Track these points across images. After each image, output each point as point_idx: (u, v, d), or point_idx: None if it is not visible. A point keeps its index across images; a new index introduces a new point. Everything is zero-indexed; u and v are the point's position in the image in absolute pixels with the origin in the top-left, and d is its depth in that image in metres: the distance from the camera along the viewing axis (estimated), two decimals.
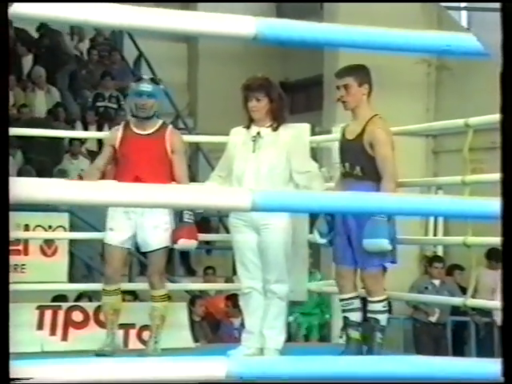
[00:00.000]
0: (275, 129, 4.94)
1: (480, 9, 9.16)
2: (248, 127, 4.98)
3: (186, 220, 4.99)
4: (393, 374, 2.14)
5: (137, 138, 5.06)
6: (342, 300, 5.04)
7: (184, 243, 5.03)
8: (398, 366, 2.15)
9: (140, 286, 6.50)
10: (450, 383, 2.17)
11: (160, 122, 5.19)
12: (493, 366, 1.86)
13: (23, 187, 1.71)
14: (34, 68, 11.92)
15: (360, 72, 4.87)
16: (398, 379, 2.15)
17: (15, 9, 1.66)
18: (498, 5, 1.87)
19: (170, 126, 5.28)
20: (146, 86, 5.07)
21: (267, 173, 4.86)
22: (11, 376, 1.66)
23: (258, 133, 4.94)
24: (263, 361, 2.22)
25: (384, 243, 4.62)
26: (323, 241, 4.95)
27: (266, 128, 4.94)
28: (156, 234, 5.02)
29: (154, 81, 5.24)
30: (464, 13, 10.48)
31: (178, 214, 5.05)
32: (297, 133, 5.06)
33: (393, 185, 4.72)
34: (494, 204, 1.86)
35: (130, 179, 4.88)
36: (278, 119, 4.94)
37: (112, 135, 5.23)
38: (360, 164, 4.79)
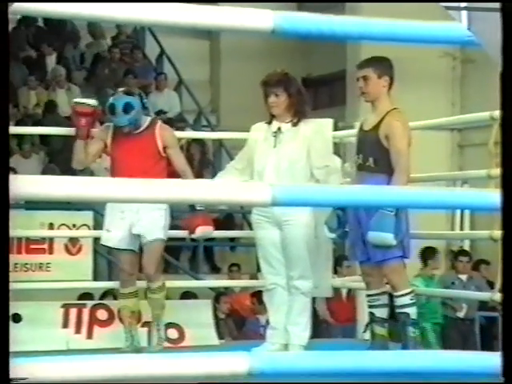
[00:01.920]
0: (295, 124, 4.93)
1: (480, 9, 9.27)
2: (269, 123, 4.99)
3: (199, 208, 5.00)
4: (418, 369, 2.13)
5: (127, 138, 5.07)
6: (368, 296, 5.03)
7: (202, 231, 5.03)
8: (425, 362, 2.14)
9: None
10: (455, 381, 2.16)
11: (149, 118, 5.19)
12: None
13: (22, 184, 1.72)
14: (55, 67, 11.98)
15: (380, 64, 4.85)
16: (424, 374, 2.15)
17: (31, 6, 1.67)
18: (497, 5, 1.88)
19: (160, 122, 5.27)
20: (116, 99, 5.04)
21: (288, 168, 4.86)
22: (13, 375, 1.67)
23: (279, 128, 4.94)
24: (286, 356, 2.22)
25: (388, 237, 4.59)
26: (332, 235, 4.94)
27: (286, 123, 4.94)
28: (150, 226, 5.03)
29: (128, 93, 5.18)
30: (464, 13, 10.46)
31: (188, 205, 5.04)
32: (317, 128, 5.05)
33: (404, 179, 4.70)
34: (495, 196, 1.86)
35: (124, 176, 4.89)
36: (297, 114, 4.93)
37: (103, 131, 5.21)
38: (373, 155, 4.77)
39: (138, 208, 4.98)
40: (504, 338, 1.89)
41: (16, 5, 1.57)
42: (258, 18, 1.63)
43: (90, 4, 1.67)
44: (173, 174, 5.17)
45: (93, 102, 5.17)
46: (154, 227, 5.04)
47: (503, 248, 1.83)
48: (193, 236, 5.11)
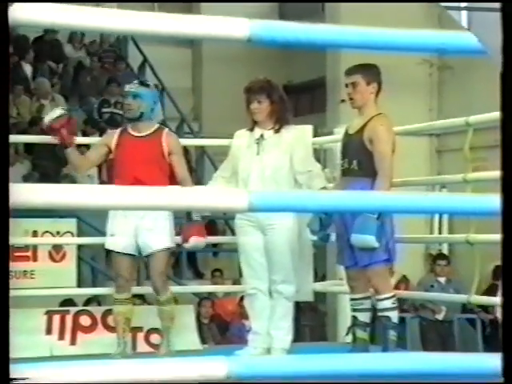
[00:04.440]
0: (278, 131, 4.94)
1: (480, 9, 9.19)
2: (252, 130, 4.99)
3: (195, 218, 4.99)
4: (397, 372, 2.13)
5: (133, 140, 5.07)
6: (352, 299, 5.03)
7: (195, 241, 5.02)
8: (403, 363, 2.14)
9: (148, 289, 6.50)
10: (453, 381, 2.16)
11: (156, 125, 5.20)
12: (493, 361, 1.85)
13: (22, 193, 1.71)
14: (37, 79, 11.91)
15: (369, 70, 4.86)
16: (403, 376, 2.15)
17: (15, 14, 1.66)
18: (497, 5, 1.88)
19: (166, 129, 5.29)
20: (131, 87, 5.09)
21: (271, 175, 4.86)
22: (11, 376, 1.66)
23: (262, 135, 4.95)
24: (265, 360, 2.22)
25: (369, 239, 4.60)
26: (314, 238, 4.94)
27: (268, 130, 4.95)
28: (156, 236, 5.00)
29: (143, 83, 5.24)
30: (464, 13, 10.50)
31: (185, 213, 5.05)
32: (299, 134, 5.07)
33: (387, 183, 4.71)
34: (481, 200, 1.86)
35: (128, 180, 4.90)
36: (280, 121, 4.94)
37: (108, 136, 5.26)
38: (357, 158, 4.78)
39: (143, 213, 4.94)
40: (504, 339, 1.90)
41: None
42: (233, 26, 1.62)
43: (69, 13, 1.66)
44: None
45: (60, 111, 5.15)
46: (160, 236, 5.01)
47: (503, 252, 1.83)
48: (185, 245, 5.10)
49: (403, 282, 9.50)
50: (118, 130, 5.20)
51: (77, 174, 5.35)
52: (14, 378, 1.64)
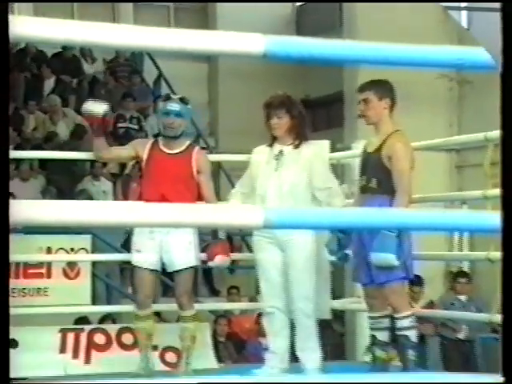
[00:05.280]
0: (297, 146, 4.95)
1: (480, 9, 9.37)
2: (271, 145, 5.00)
3: (220, 237, 5.01)
4: None
5: (164, 157, 5.08)
6: (370, 318, 5.01)
7: (221, 260, 5.03)
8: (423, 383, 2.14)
9: (164, 306, 6.51)
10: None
11: (187, 142, 5.21)
12: None
13: (21, 209, 1.71)
14: (49, 97, 11.98)
15: (380, 86, 4.86)
16: None
17: (28, 30, 1.67)
18: (497, 5, 1.89)
19: (197, 147, 5.31)
20: (174, 106, 5.06)
21: (289, 191, 4.87)
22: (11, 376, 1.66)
23: (281, 151, 4.95)
24: (278, 378, 2.21)
25: (390, 258, 4.60)
26: (333, 258, 4.95)
27: (287, 146, 4.96)
28: (182, 253, 5.01)
29: (183, 100, 5.19)
30: (464, 13, 10.53)
31: (211, 231, 5.07)
32: (318, 150, 5.08)
33: (406, 199, 4.70)
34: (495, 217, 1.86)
35: (155, 197, 4.91)
36: (299, 136, 4.95)
37: (140, 144, 5.24)
38: (376, 177, 4.79)
39: (168, 230, 4.96)
40: (504, 339, 1.89)
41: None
42: (248, 42, 1.63)
43: (84, 29, 1.68)
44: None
45: (99, 109, 5.09)
46: (186, 253, 5.03)
47: (503, 269, 1.83)
48: (210, 264, 5.11)
49: (430, 307, 9.42)
50: (150, 143, 5.19)
51: (99, 158, 5.34)
52: (14, 378, 1.64)
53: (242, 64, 11.91)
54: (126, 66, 13.07)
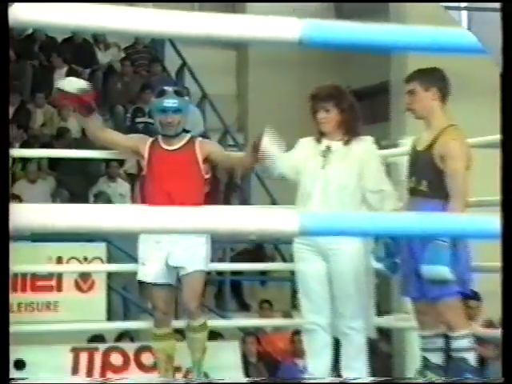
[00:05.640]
0: (347, 142, 4.94)
1: (480, 9, 9.82)
2: (318, 140, 4.99)
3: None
4: None
5: (165, 154, 5.12)
6: (421, 337, 4.98)
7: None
8: None
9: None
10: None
11: (188, 136, 5.23)
12: None
13: (27, 213, 1.73)
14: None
15: (427, 75, 4.83)
16: None
17: (33, 15, 1.68)
18: (497, 5, 1.97)
19: (199, 138, 5.31)
20: (172, 102, 5.08)
21: (336, 192, 4.85)
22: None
23: (328, 147, 4.94)
24: None
25: (443, 271, 4.57)
26: (380, 266, 4.92)
27: (336, 141, 4.95)
28: (190, 256, 5.04)
29: (180, 93, 5.22)
30: (464, 13, 11.01)
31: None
32: (371, 147, 5.04)
33: (461, 204, 4.67)
34: None
35: (162, 197, 4.95)
36: (350, 132, 4.94)
37: (143, 141, 5.22)
38: (427, 178, 4.76)
39: (177, 238, 4.99)
40: (504, 340, 1.89)
41: (13, 14, 1.59)
42: (282, 27, 1.63)
43: (96, 14, 1.68)
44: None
45: (76, 85, 5.01)
46: (194, 257, 5.05)
47: (503, 269, 1.85)
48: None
49: (490, 326, 9.35)
50: (149, 142, 5.20)
51: (95, 140, 5.29)
52: (14, 378, 1.67)
53: (274, 51, 11.90)
54: (145, 53, 13.11)
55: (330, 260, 4.87)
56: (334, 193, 4.86)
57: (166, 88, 5.25)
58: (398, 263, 4.88)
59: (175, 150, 5.14)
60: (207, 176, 5.19)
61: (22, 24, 1.63)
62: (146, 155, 5.14)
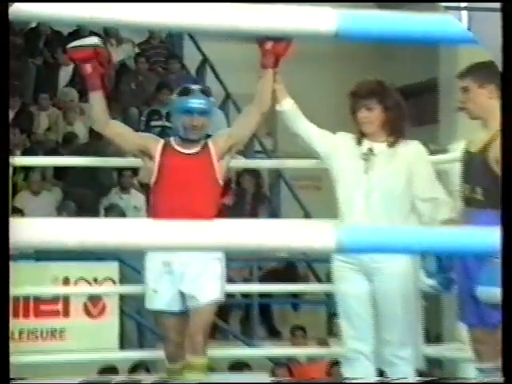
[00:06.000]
0: (392, 144, 4.92)
1: (480, 9, 10.41)
2: (359, 142, 4.97)
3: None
4: None
5: (181, 158, 5.03)
6: (479, 370, 4.95)
7: None
8: None
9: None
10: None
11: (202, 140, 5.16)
12: None
13: (30, 229, 1.74)
14: (64, 89, 12.09)
15: (482, 70, 4.81)
16: None
17: (39, 9, 1.69)
18: (498, 5, 2.07)
19: (211, 138, 5.21)
20: (198, 102, 5.03)
21: (381, 199, 4.83)
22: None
23: (371, 149, 4.92)
24: None
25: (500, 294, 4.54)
26: (431, 282, 4.88)
27: (380, 143, 4.94)
28: (203, 283, 4.99)
29: (206, 92, 5.16)
30: (464, 13, 11.59)
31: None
32: (420, 150, 5.01)
33: None
34: None
35: (179, 204, 4.89)
36: (395, 133, 4.92)
37: (154, 142, 5.14)
38: (482, 185, 4.72)
39: (189, 258, 4.96)
40: (504, 340, 1.88)
41: (14, 7, 1.59)
42: (316, 18, 1.63)
43: (107, 4, 1.69)
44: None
45: (90, 40, 4.99)
46: (208, 284, 4.99)
47: (503, 269, 1.85)
48: None
49: None
50: (160, 146, 5.10)
51: (97, 129, 5.24)
52: (14, 378, 1.67)
53: (307, 45, 11.90)
54: (161, 49, 13.15)
55: (375, 279, 4.85)
56: (378, 201, 4.84)
57: (191, 86, 5.20)
58: (453, 280, 4.85)
59: (193, 154, 5.09)
60: (222, 183, 5.14)
61: (25, 17, 1.64)
62: (157, 158, 5.07)
